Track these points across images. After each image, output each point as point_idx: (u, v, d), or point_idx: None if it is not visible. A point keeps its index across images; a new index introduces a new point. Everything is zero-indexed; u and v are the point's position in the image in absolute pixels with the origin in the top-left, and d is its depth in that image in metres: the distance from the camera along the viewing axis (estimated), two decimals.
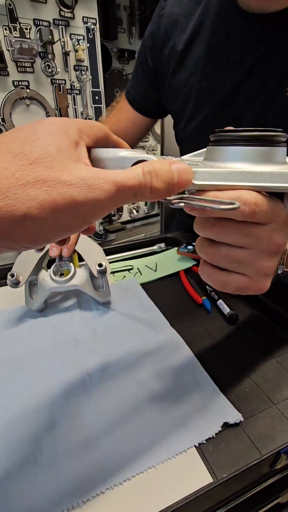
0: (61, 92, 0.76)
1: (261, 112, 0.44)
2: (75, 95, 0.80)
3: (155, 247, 0.71)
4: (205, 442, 0.25)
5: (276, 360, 0.35)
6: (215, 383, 0.30)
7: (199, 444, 0.25)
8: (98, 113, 0.87)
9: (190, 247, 0.62)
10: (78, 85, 0.79)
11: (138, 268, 0.62)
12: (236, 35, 0.42)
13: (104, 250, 0.68)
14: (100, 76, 0.83)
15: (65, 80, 0.77)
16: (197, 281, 0.56)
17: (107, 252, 0.67)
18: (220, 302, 0.46)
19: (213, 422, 0.26)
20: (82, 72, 0.78)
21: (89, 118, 0.86)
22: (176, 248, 0.71)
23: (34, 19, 0.68)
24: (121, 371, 0.32)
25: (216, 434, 0.26)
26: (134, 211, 1.23)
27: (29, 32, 0.68)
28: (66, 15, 0.72)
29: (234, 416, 0.27)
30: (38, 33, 0.68)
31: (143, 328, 0.40)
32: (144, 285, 0.56)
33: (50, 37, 0.69)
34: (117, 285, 0.54)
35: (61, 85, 0.76)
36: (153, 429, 0.26)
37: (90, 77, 0.80)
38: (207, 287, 0.51)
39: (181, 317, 0.45)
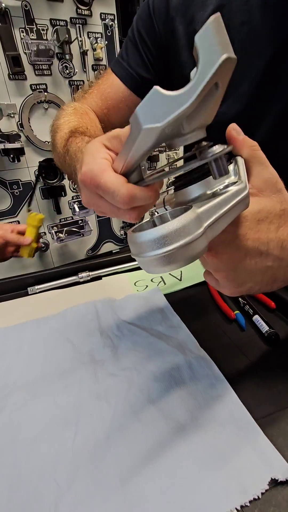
0: None
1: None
2: None
3: None
4: (248, 504, 0.20)
5: None
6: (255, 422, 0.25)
7: (241, 507, 0.20)
8: None
9: None
10: None
11: (161, 277, 0.58)
12: (268, 9, 0.38)
13: (124, 257, 0.64)
14: None
15: (83, 81, 0.75)
16: None
17: (127, 259, 0.64)
18: (256, 318, 0.40)
19: (257, 477, 0.21)
20: (101, 71, 0.75)
21: None
22: None
23: (50, 19, 0.66)
24: (144, 401, 0.28)
25: (262, 493, 0.21)
26: (155, 212, 1.19)
27: (46, 33, 0.66)
28: (83, 13, 0.69)
29: (284, 469, 0.22)
30: (55, 33, 0.66)
31: (169, 348, 0.35)
32: (168, 296, 0.51)
33: (67, 36, 0.66)
34: (140, 296, 0.50)
35: (79, 86, 0.74)
36: (181, 482, 0.21)
37: None
38: (240, 299, 0.46)
39: (211, 334, 0.40)
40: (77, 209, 0.88)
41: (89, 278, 0.58)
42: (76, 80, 0.74)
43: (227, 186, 0.22)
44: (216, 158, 0.20)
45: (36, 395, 0.30)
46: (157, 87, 0.15)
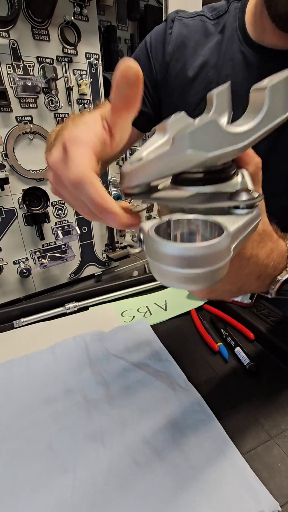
0: None
1: (274, 142, 0.47)
2: None
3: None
4: None
5: None
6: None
7: None
8: None
9: None
10: None
11: (147, 307, 0.60)
12: (250, 68, 0.44)
13: (110, 287, 0.66)
14: None
15: (68, 114, 0.77)
16: (210, 321, 0.54)
17: (112, 289, 0.65)
18: (238, 350, 0.43)
19: (245, 511, 0.23)
20: (85, 105, 0.79)
21: None
22: None
23: (37, 57, 0.69)
24: (138, 442, 0.29)
25: None
26: (136, 234, 1.22)
27: (33, 69, 0.69)
28: (69, 52, 0.73)
29: (269, 504, 0.24)
30: (42, 70, 0.69)
31: (159, 384, 0.37)
32: (154, 327, 0.53)
33: (54, 74, 0.69)
34: (127, 328, 0.52)
35: (64, 118, 0.77)
36: None
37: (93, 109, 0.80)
38: (222, 330, 0.49)
39: (198, 367, 0.42)
40: (60, 235, 0.89)
41: (76, 309, 0.59)
42: (61, 113, 0.76)
43: (245, 201, 0.20)
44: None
45: (30, 440, 0.30)
46: (215, 119, 0.16)
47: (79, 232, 0.94)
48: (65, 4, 0.68)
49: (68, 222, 0.91)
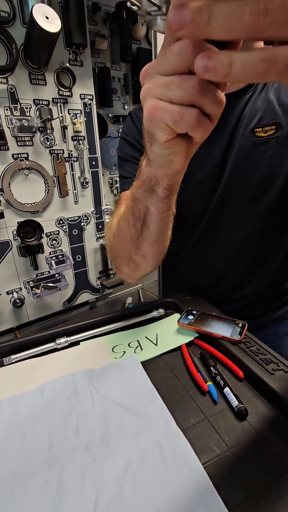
0: (59, 161, 0.79)
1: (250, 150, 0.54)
2: (72, 162, 0.83)
3: (154, 313, 0.69)
4: None
5: None
6: None
7: None
8: (95, 177, 0.90)
9: (190, 317, 0.61)
10: (75, 153, 0.82)
11: (138, 341, 0.60)
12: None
13: (100, 320, 0.65)
14: (96, 144, 0.87)
15: (63, 150, 0.81)
16: (200, 357, 0.54)
17: (103, 322, 0.65)
18: (227, 391, 0.43)
19: None
20: (80, 141, 0.83)
21: (86, 182, 0.88)
22: (176, 313, 0.70)
23: (34, 99, 0.73)
24: (128, 493, 0.29)
25: None
26: None
27: (29, 111, 0.73)
28: (64, 94, 0.77)
29: None
30: (38, 111, 0.73)
31: (148, 430, 0.37)
32: (145, 363, 0.53)
33: (49, 116, 0.73)
34: (117, 365, 0.52)
35: (59, 154, 0.80)
36: None
37: (88, 146, 0.84)
38: (211, 368, 0.49)
39: (187, 410, 0.42)
40: (54, 265, 0.90)
41: (67, 344, 0.59)
42: (57, 149, 0.80)
43: None
44: None
45: (14, 494, 0.30)
46: None
47: (73, 262, 0.95)
48: (61, 52, 0.73)
49: (62, 251, 0.92)
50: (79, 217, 0.92)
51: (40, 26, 0.56)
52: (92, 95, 0.83)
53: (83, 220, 0.93)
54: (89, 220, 0.95)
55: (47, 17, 0.58)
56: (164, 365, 0.54)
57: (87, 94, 0.82)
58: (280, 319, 0.74)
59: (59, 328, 0.66)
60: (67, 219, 0.89)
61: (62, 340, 0.59)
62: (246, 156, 0.55)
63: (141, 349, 0.58)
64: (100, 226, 1.00)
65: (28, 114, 0.72)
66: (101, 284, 1.09)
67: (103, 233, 1.01)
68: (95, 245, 1.01)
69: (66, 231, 0.90)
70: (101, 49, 0.95)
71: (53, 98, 0.76)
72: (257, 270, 0.66)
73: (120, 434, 0.36)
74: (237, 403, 0.41)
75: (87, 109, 0.83)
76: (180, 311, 0.71)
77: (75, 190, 0.87)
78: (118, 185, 1.00)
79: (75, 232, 0.93)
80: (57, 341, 0.59)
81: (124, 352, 0.58)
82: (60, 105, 0.77)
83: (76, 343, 0.62)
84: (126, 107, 1.09)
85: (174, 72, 0.22)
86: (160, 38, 0.85)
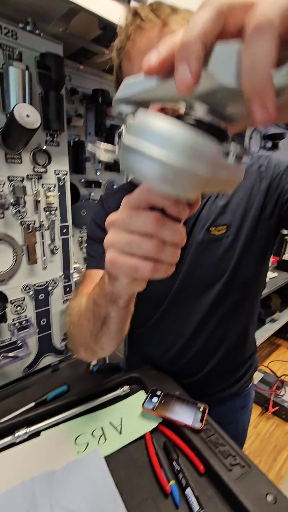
0: (30, 231, 0.81)
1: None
2: (43, 231, 0.86)
3: (119, 392, 0.70)
4: None
5: None
6: None
7: None
8: (65, 244, 0.93)
9: (155, 399, 0.62)
10: (47, 223, 0.85)
11: (102, 428, 0.59)
12: None
13: (61, 405, 0.64)
14: (68, 213, 0.91)
15: (34, 221, 0.83)
16: (164, 448, 0.55)
17: (65, 407, 0.64)
18: (188, 493, 0.44)
19: None
20: (52, 212, 0.86)
21: (56, 249, 0.90)
22: (141, 391, 0.71)
23: (8, 176, 0.76)
24: None
25: None
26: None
27: (3, 187, 0.75)
28: (39, 171, 0.81)
29: None
30: (12, 188, 0.76)
31: None
32: (108, 458, 0.53)
33: (23, 194, 0.76)
34: (79, 464, 0.51)
35: (30, 225, 0.82)
36: None
37: (60, 217, 0.87)
38: (174, 463, 0.50)
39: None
40: (16, 332, 0.87)
41: (26, 436, 0.57)
42: (27, 221, 0.82)
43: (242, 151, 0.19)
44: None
45: None
46: None
47: (37, 328, 0.93)
48: (38, 133, 0.79)
49: (26, 317, 0.90)
50: (47, 282, 0.92)
51: (20, 124, 0.61)
52: (67, 171, 0.88)
53: (50, 284, 0.94)
54: (56, 284, 0.96)
55: (27, 115, 0.63)
56: (127, 459, 0.54)
57: (61, 170, 0.87)
58: (237, 394, 0.78)
59: (17, 398, 0.63)
60: (34, 285, 0.89)
61: (21, 432, 0.57)
62: (203, 250, 0.64)
63: (105, 439, 0.58)
64: (67, 289, 1.00)
65: (1, 190, 0.74)
66: (65, 346, 1.07)
67: (70, 295, 1.02)
68: (61, 307, 1.01)
69: (32, 297, 0.90)
70: (77, 126, 1.03)
71: (27, 175, 0.79)
72: (214, 348, 0.72)
73: None
74: (198, 508, 0.43)
75: (61, 183, 0.87)
76: (145, 387, 0.73)
77: (44, 257, 0.88)
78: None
79: (41, 296, 0.92)
80: (16, 434, 0.57)
81: (88, 444, 0.57)
82: (35, 181, 0.81)
83: (37, 433, 0.60)
84: (98, 173, 1.17)
85: (137, 234, 0.27)
86: None
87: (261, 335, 2.26)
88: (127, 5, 0.70)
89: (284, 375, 2.44)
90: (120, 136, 0.21)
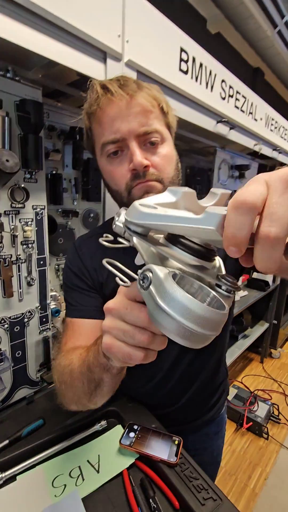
0: (6, 265, 0.81)
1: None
2: (20, 264, 0.86)
3: (96, 427, 0.71)
4: None
5: None
6: None
7: None
8: (42, 275, 0.94)
9: (132, 434, 0.64)
10: (23, 256, 0.86)
11: (79, 468, 0.60)
12: None
13: (37, 444, 0.64)
14: (45, 245, 0.92)
15: (11, 255, 0.84)
16: (141, 484, 0.56)
17: (41, 447, 0.64)
18: None
19: None
20: (29, 245, 0.87)
21: (33, 281, 0.91)
22: (118, 425, 0.72)
23: None
24: None
25: None
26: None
27: None
28: (17, 206, 0.83)
29: None
30: None
31: None
32: (86, 499, 0.54)
33: (1, 230, 0.77)
34: (56, 507, 0.51)
35: (7, 259, 0.82)
36: None
37: (37, 250, 0.88)
38: (150, 500, 0.52)
39: None
40: None
41: (1, 482, 0.56)
42: (4, 255, 0.83)
43: (232, 285, 0.26)
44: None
45: None
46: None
47: (12, 363, 0.92)
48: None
49: (1, 350, 0.89)
50: (23, 313, 0.92)
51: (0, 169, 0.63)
52: (44, 205, 0.91)
53: (26, 316, 0.94)
54: (33, 315, 0.96)
55: (7, 160, 0.65)
56: (105, 500, 0.55)
57: (39, 205, 0.89)
58: (212, 420, 0.82)
59: None
60: (10, 317, 0.89)
61: None
62: None
63: (83, 480, 0.59)
64: (44, 319, 1.00)
65: None
66: (41, 378, 1.06)
67: (47, 325, 1.02)
68: (37, 338, 1.00)
69: (8, 330, 0.89)
70: (55, 160, 1.06)
71: (5, 211, 0.81)
72: (192, 379, 0.76)
73: None
74: None
75: (39, 217, 0.89)
76: (122, 421, 0.74)
77: (20, 289, 0.89)
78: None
79: (16, 329, 0.92)
80: None
81: (65, 486, 0.58)
82: (12, 216, 0.82)
83: (13, 477, 0.60)
84: (75, 203, 1.20)
85: (131, 325, 0.30)
86: None
87: (234, 351, 2.34)
88: (103, 63, 0.76)
89: (257, 390, 2.52)
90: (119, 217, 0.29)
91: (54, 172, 1.09)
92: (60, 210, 1.16)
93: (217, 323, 0.24)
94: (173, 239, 0.25)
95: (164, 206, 0.25)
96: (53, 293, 1.17)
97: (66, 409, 0.58)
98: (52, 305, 1.17)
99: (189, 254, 0.25)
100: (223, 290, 0.26)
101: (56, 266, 1.20)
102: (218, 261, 0.30)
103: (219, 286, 0.26)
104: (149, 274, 0.24)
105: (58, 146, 1.07)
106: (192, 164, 2.12)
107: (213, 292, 0.26)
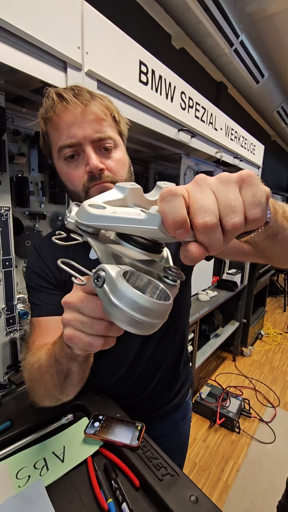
0: None
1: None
2: None
3: (63, 420, 0.72)
4: None
5: None
6: None
7: None
8: (8, 276, 0.94)
9: (96, 424, 0.67)
10: None
11: (44, 459, 0.61)
12: None
13: (1, 441, 0.65)
14: (11, 247, 0.93)
15: None
16: (104, 469, 0.59)
17: (6, 443, 0.64)
18: (124, 507, 0.49)
19: None
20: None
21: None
22: (85, 417, 0.74)
23: None
24: None
25: None
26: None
27: None
28: None
29: None
30: None
31: None
32: (50, 487, 0.55)
33: None
34: (20, 498, 0.52)
35: None
36: None
37: (2, 251, 0.89)
38: (112, 482, 0.55)
39: None
40: None
41: None
42: None
43: (176, 275, 0.30)
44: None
45: None
46: None
47: None
48: None
49: None
50: None
51: None
52: (9, 207, 0.92)
53: None
54: None
55: None
56: (69, 486, 0.57)
57: (3, 206, 0.90)
58: (178, 406, 0.86)
59: None
60: None
61: None
62: None
63: (47, 469, 0.60)
64: (11, 321, 1.00)
65: None
66: (8, 380, 1.04)
67: (14, 327, 1.01)
68: (4, 340, 1.00)
69: None
70: (20, 163, 1.07)
71: None
72: (156, 367, 0.80)
73: None
74: None
75: (3, 218, 0.90)
76: (88, 414, 0.77)
77: None
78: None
79: None
80: None
81: (29, 476, 0.59)
82: None
83: None
84: (42, 206, 1.21)
85: (88, 316, 0.33)
86: None
87: (206, 350, 2.41)
88: (64, 73, 0.80)
89: (229, 386, 2.61)
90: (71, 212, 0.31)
91: (20, 175, 1.10)
92: (27, 212, 1.16)
93: (163, 312, 0.27)
94: (123, 235, 0.28)
95: (112, 203, 0.27)
96: (21, 296, 1.17)
97: (39, 406, 0.59)
98: (20, 307, 1.17)
99: (138, 249, 0.27)
100: (169, 280, 0.29)
101: (24, 269, 1.20)
102: (166, 252, 0.33)
103: (166, 277, 0.30)
104: (102, 274, 0.26)
105: (23, 150, 1.09)
106: (160, 170, 2.20)
107: (161, 285, 0.28)
